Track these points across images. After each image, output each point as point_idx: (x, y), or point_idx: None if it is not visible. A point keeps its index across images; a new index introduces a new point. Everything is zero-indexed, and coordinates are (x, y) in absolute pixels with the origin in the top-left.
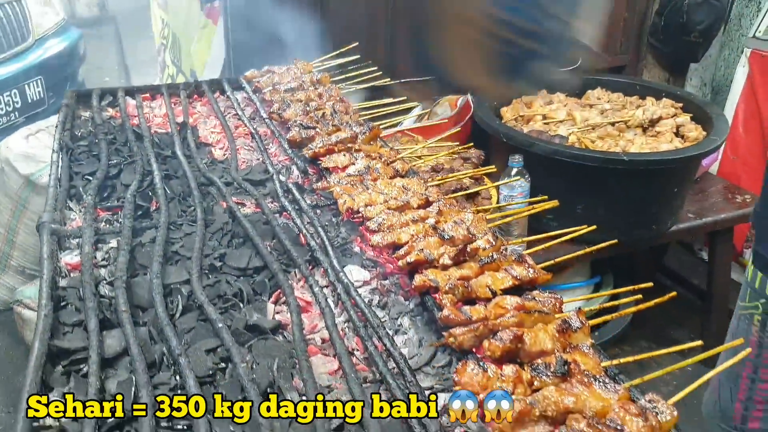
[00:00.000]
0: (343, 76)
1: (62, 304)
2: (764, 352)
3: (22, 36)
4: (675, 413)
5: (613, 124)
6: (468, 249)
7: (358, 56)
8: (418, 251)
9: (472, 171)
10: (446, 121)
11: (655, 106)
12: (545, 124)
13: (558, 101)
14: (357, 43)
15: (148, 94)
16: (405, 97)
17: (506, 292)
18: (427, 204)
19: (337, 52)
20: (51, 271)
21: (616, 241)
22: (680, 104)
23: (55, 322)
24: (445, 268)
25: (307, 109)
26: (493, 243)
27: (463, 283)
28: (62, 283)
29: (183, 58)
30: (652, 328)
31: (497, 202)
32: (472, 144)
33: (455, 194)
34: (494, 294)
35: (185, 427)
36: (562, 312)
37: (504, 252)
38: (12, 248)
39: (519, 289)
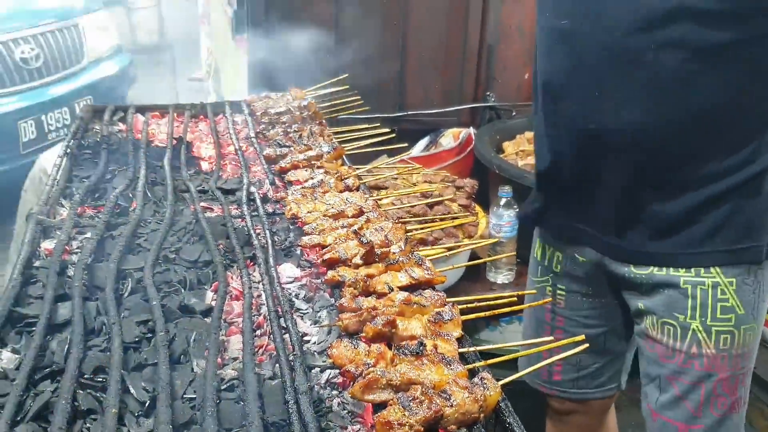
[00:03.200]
0: (329, 103)
1: (32, 280)
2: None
3: (76, 58)
4: (498, 389)
5: None
6: (379, 252)
7: (347, 86)
8: (334, 251)
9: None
10: (449, 151)
11: None
12: None
13: None
14: (346, 75)
15: (158, 112)
16: (378, 124)
17: (404, 289)
18: (360, 214)
19: (328, 82)
20: (28, 252)
21: None
22: None
23: (23, 294)
24: (356, 267)
25: (288, 130)
26: (403, 248)
27: (365, 279)
28: (37, 264)
29: (221, 83)
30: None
31: (486, 231)
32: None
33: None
34: (391, 290)
35: (103, 379)
36: (444, 307)
37: (409, 256)
38: None
39: (417, 287)
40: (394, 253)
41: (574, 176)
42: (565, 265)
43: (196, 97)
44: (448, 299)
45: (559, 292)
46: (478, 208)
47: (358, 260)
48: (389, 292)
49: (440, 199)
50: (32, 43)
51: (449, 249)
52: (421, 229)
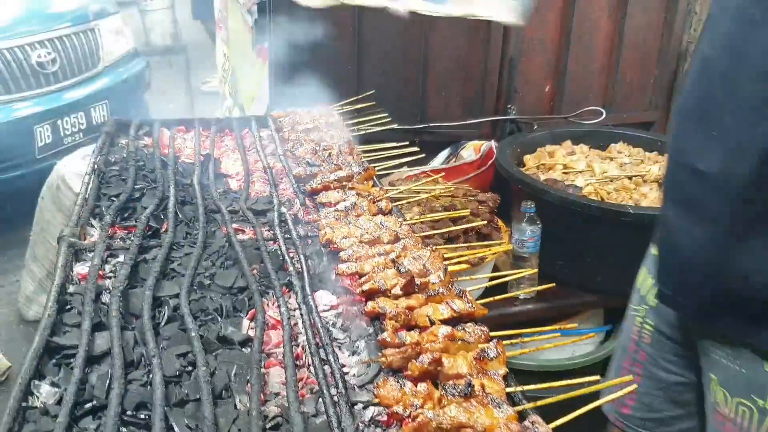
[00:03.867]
0: (355, 120)
1: (67, 307)
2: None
3: (93, 62)
4: None
5: (630, 177)
6: (418, 282)
7: (374, 102)
8: (373, 281)
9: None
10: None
11: None
12: (565, 173)
13: (580, 152)
14: (373, 91)
15: (183, 127)
16: (407, 143)
17: (446, 322)
18: (396, 240)
19: (354, 98)
20: (62, 278)
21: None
22: None
23: (58, 322)
24: (396, 297)
25: (317, 148)
26: (443, 278)
27: (406, 312)
28: (71, 289)
29: (239, 91)
30: None
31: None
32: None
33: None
34: (432, 323)
35: (146, 416)
36: (488, 342)
37: (450, 286)
38: None
39: (458, 320)
40: (433, 283)
41: None
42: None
43: (210, 101)
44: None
45: (647, 326)
46: (500, 223)
47: (397, 291)
48: (431, 326)
49: (472, 226)
50: (48, 47)
51: (474, 265)
52: (451, 250)
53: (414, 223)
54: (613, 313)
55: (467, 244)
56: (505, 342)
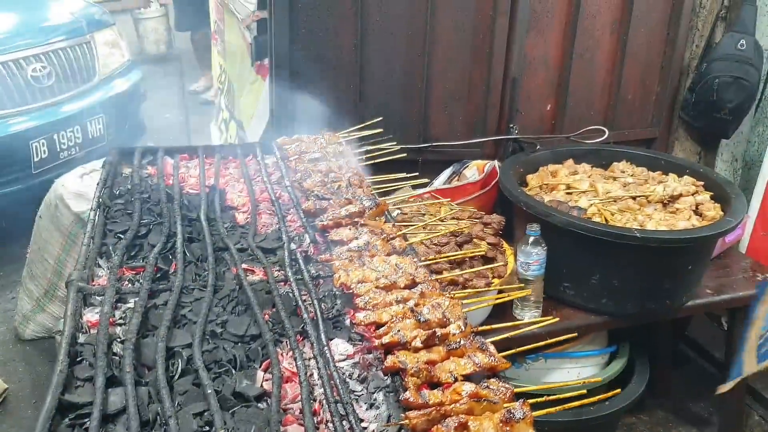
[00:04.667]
0: (364, 149)
1: (78, 359)
2: None
3: (88, 75)
4: None
5: (634, 198)
6: (439, 333)
7: (381, 130)
8: (393, 333)
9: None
10: (474, 183)
11: (676, 183)
12: (568, 193)
13: (583, 171)
14: (381, 118)
15: (186, 155)
16: (416, 173)
17: (468, 377)
18: (413, 284)
19: (363, 125)
20: (72, 328)
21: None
22: (701, 182)
23: (69, 376)
24: (416, 350)
25: (325, 180)
26: (463, 329)
27: (427, 367)
28: (81, 339)
29: (236, 105)
30: (672, 398)
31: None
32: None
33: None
34: (456, 380)
35: None
36: (513, 401)
37: (471, 338)
38: (60, 279)
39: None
40: (453, 334)
41: None
42: None
43: (204, 110)
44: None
45: None
46: (505, 246)
47: (417, 342)
48: (453, 382)
49: (476, 252)
50: (44, 60)
51: (479, 292)
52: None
53: (425, 260)
54: (617, 334)
55: (473, 270)
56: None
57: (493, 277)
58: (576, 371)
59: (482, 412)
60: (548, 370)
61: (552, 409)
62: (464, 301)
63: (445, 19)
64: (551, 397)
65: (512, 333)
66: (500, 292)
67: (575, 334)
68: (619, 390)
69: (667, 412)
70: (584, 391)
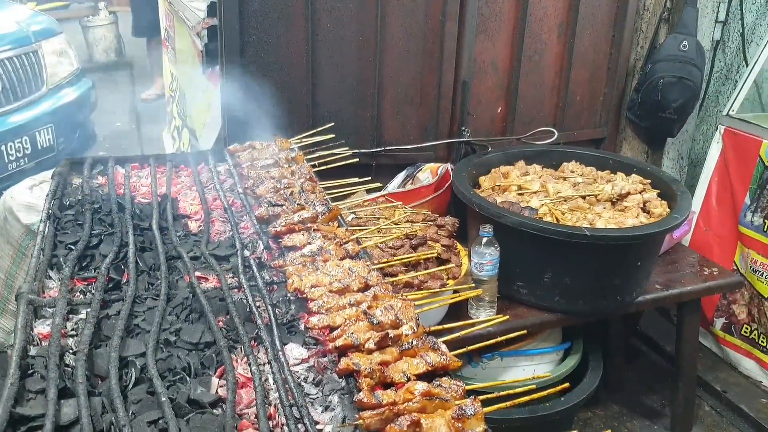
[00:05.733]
0: (317, 155)
1: (30, 372)
2: None
3: (36, 85)
4: None
5: (584, 197)
6: (392, 335)
7: (334, 135)
8: (347, 336)
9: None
10: (428, 186)
11: (624, 182)
12: (520, 194)
13: (534, 172)
14: (333, 124)
15: (137, 164)
16: (369, 177)
17: (420, 376)
18: (366, 287)
19: (315, 131)
20: (23, 341)
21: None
22: (648, 180)
23: (21, 389)
24: (369, 352)
25: (278, 186)
26: (416, 330)
27: (381, 368)
28: (33, 351)
29: (188, 113)
30: (625, 392)
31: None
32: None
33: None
34: (408, 379)
35: None
36: (464, 398)
37: (424, 339)
38: (10, 293)
39: (433, 373)
40: (406, 335)
41: None
42: None
43: (156, 117)
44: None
45: None
46: (459, 247)
47: (370, 344)
48: (406, 382)
49: (429, 254)
50: None
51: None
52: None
53: (378, 263)
54: (571, 331)
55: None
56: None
57: (448, 278)
58: (531, 368)
59: (435, 410)
60: (504, 369)
61: (503, 405)
62: (418, 302)
63: (395, 24)
64: (502, 393)
65: (466, 332)
66: (455, 293)
67: (525, 332)
68: (568, 385)
69: (622, 406)
70: (534, 386)
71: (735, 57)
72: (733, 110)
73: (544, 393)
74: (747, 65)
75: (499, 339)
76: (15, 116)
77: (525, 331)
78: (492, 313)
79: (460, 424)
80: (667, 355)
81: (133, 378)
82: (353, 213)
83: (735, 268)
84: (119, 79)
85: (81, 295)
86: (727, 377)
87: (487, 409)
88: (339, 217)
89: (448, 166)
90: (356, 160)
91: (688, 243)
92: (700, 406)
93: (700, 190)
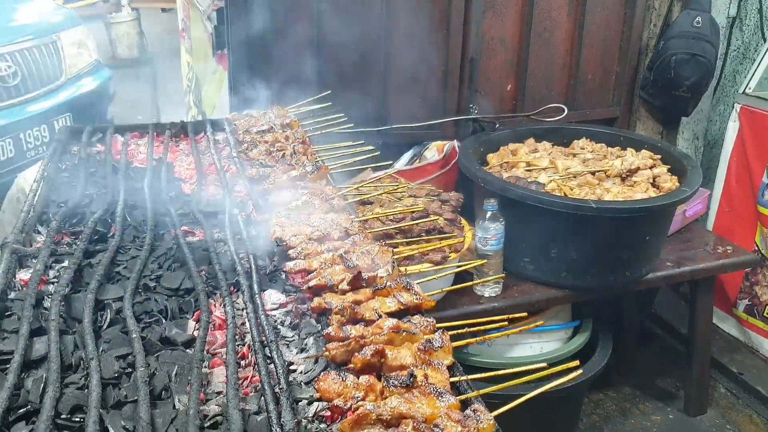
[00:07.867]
0: (312, 121)
1: (7, 314)
2: None
3: (55, 75)
4: (492, 422)
5: (593, 173)
6: (366, 276)
7: (330, 103)
8: (320, 277)
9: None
10: (434, 164)
11: (634, 157)
12: (528, 171)
13: (543, 149)
14: (329, 92)
15: (137, 132)
16: (362, 141)
17: (394, 315)
18: (346, 236)
19: (310, 99)
20: (3, 284)
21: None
22: (659, 156)
23: None
24: (344, 292)
25: (271, 149)
26: (390, 272)
27: (352, 305)
28: (12, 295)
29: (202, 100)
30: (638, 375)
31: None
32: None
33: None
34: (380, 317)
35: (81, 419)
36: (434, 333)
37: (398, 280)
38: None
39: (406, 313)
40: (381, 277)
41: None
42: None
43: (176, 111)
44: (438, 324)
45: None
46: (464, 222)
47: (344, 286)
48: (377, 319)
49: (427, 220)
50: (9, 60)
51: (436, 263)
52: (408, 247)
53: (368, 219)
54: (581, 309)
55: (426, 238)
56: (470, 339)
57: (450, 252)
58: (539, 346)
59: (402, 343)
60: (511, 346)
61: (488, 374)
62: (422, 271)
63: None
64: (510, 371)
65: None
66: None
67: (525, 314)
68: (577, 362)
69: (634, 388)
70: (544, 365)
71: (753, 35)
72: (750, 88)
73: (553, 370)
74: (766, 41)
75: (499, 319)
76: (34, 105)
77: (524, 314)
78: (497, 290)
79: (426, 356)
80: (681, 338)
81: (108, 319)
82: (350, 185)
83: (756, 248)
84: (141, 74)
85: (67, 248)
86: (743, 359)
87: (495, 388)
88: (328, 176)
89: (455, 143)
90: (357, 129)
91: (711, 225)
92: (716, 388)
93: (721, 171)
